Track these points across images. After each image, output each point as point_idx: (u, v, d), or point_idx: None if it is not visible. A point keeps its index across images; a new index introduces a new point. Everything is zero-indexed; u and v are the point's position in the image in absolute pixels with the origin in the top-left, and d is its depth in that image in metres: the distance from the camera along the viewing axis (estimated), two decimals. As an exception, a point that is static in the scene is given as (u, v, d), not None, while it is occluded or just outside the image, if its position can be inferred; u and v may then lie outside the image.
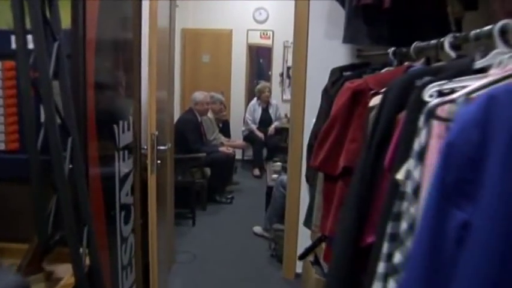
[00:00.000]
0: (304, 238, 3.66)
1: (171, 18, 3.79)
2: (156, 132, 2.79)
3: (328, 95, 3.17)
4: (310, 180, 3.41)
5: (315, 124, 3.31)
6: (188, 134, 5.70)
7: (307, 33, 3.63)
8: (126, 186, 2.47)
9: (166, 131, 3.58)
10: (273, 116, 8.00)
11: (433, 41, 1.81)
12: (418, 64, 1.99)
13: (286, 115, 8.38)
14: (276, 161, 5.98)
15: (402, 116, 1.36)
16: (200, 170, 5.66)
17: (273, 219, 4.85)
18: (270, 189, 5.04)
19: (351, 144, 1.89)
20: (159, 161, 2.87)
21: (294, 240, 3.92)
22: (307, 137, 3.50)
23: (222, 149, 6.08)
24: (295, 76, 3.73)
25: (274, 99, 8.27)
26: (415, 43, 2.05)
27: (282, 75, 8.53)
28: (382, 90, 1.82)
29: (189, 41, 8.43)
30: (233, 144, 6.87)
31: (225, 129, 7.64)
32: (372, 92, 1.85)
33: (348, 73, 2.76)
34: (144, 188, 2.83)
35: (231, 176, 6.70)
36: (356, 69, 2.92)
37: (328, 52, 3.57)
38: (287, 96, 8.48)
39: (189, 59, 8.47)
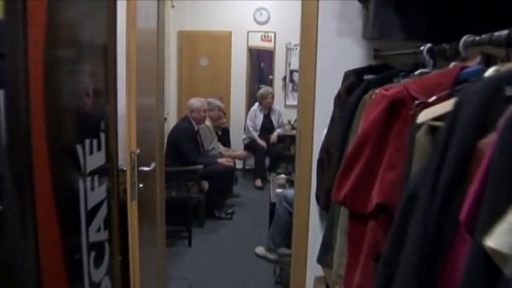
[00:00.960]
0: (313, 266, 3.16)
1: (160, 18, 3.30)
2: (138, 150, 2.30)
3: (342, 101, 2.70)
4: (322, 201, 2.92)
5: (327, 135, 2.83)
6: (183, 144, 5.22)
7: (316, 32, 3.13)
8: (96, 220, 1.98)
9: (154, 145, 3.09)
10: (275, 122, 7.52)
11: (499, 33, 1.33)
12: (474, 64, 1.50)
13: (289, 121, 7.91)
14: (280, 173, 5.48)
15: (489, 142, 0.87)
16: (197, 183, 5.17)
17: (276, 238, 4.37)
18: (273, 206, 4.55)
19: (388, 173, 1.40)
20: (141, 185, 2.37)
21: (303, 268, 3.41)
22: (317, 150, 3.02)
23: (221, 160, 5.57)
24: (303, 80, 3.23)
25: (277, 105, 7.78)
26: (465, 37, 1.56)
27: (284, 79, 8.04)
28: (432, 99, 1.33)
29: (185, 44, 7.96)
30: (233, 155, 6.37)
31: (224, 138, 7.14)
32: (417, 102, 1.35)
33: (370, 76, 2.26)
34: (124, 215, 2.34)
35: (231, 189, 6.20)
36: (376, 71, 2.43)
37: (341, 52, 3.07)
38: (290, 101, 8.01)
39: (186, 63, 8.00)
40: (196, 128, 5.45)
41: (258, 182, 7.12)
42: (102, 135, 2.04)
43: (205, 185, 5.30)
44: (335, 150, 2.49)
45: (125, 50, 2.24)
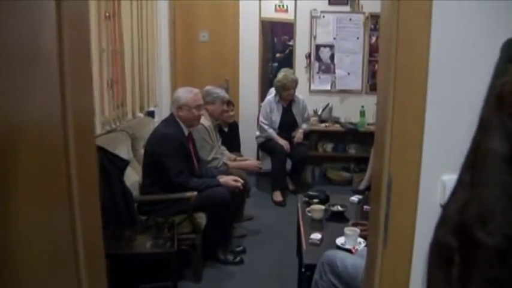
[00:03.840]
0: None
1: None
2: None
3: None
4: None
5: (468, 159, 1.05)
6: (166, 159, 3.48)
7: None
8: None
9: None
10: (298, 116, 5.70)
11: None
12: None
13: (315, 112, 6.11)
14: (312, 198, 3.70)
15: None
16: (189, 218, 3.43)
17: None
18: (309, 269, 2.76)
19: None
20: None
21: None
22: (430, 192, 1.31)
23: (225, 180, 3.77)
24: (401, 60, 1.38)
25: (297, 91, 5.96)
26: None
27: (308, 56, 6.19)
28: None
29: (180, 14, 6.16)
30: (242, 165, 4.55)
31: (232, 136, 5.38)
32: None
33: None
34: None
35: (241, 216, 4.46)
36: None
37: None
38: (316, 85, 6.23)
39: (181, 38, 6.21)
40: (186, 133, 3.68)
41: (278, 196, 5.37)
42: None
43: (202, 219, 3.55)
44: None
45: None
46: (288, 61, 6.19)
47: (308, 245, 2.94)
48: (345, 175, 6.15)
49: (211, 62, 6.22)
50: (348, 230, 2.88)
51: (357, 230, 2.87)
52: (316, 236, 2.98)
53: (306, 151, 5.66)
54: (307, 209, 3.41)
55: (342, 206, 3.47)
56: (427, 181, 1.38)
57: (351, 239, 2.83)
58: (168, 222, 3.36)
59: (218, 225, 3.63)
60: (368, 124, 5.99)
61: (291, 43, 6.39)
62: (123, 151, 3.78)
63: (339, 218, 3.39)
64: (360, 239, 2.86)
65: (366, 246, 2.80)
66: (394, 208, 1.39)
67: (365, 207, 3.60)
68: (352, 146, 6.11)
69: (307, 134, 5.78)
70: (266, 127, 5.52)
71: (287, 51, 6.32)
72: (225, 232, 3.82)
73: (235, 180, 3.76)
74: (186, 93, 3.61)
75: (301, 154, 5.52)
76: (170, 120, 3.66)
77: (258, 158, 6.05)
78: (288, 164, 5.65)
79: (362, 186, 5.24)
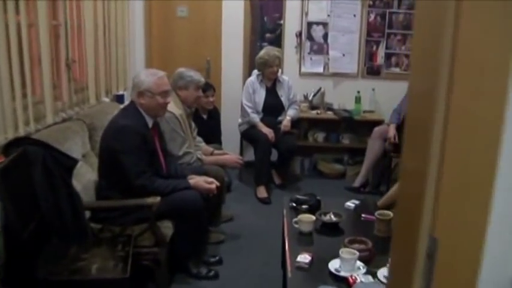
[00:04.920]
0: None
1: None
2: None
3: None
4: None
5: None
6: (123, 157, 2.86)
7: None
8: None
9: None
10: (283, 97, 5.10)
11: None
12: None
13: (305, 97, 5.51)
14: (300, 202, 3.11)
15: None
16: (151, 228, 2.83)
17: None
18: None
19: None
20: None
21: None
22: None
23: (197, 182, 3.15)
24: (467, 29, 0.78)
25: (286, 74, 5.36)
26: None
27: (299, 35, 5.55)
28: None
29: (156, -14, 5.48)
30: (220, 161, 3.91)
31: (212, 124, 4.77)
32: None
33: None
34: None
35: (218, 219, 3.86)
36: None
37: None
38: (307, 68, 5.59)
39: (156, 13, 5.53)
40: (150, 124, 3.06)
41: (262, 192, 4.78)
42: None
43: (168, 229, 2.95)
44: None
45: None
46: (279, 42, 5.54)
47: (294, 269, 2.35)
48: (338, 168, 5.56)
49: (191, 41, 5.57)
50: (344, 252, 2.30)
51: (356, 253, 2.29)
52: (304, 258, 2.38)
53: (294, 141, 5.06)
54: (295, 219, 2.81)
55: (335, 215, 2.89)
56: (496, 249, 0.79)
57: (347, 264, 2.25)
58: (125, 234, 2.77)
59: (188, 236, 3.04)
60: (364, 111, 5.42)
61: (282, 22, 5.75)
62: (76, 145, 3.16)
63: (333, 231, 2.81)
64: (359, 263, 2.29)
65: (366, 273, 2.23)
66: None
67: (363, 215, 3.03)
68: (346, 136, 5.52)
69: (295, 122, 5.17)
70: (249, 110, 4.91)
71: (278, 31, 5.69)
72: (197, 243, 3.21)
73: (210, 182, 3.15)
74: (148, 77, 2.98)
75: (289, 144, 4.92)
76: (130, 109, 3.03)
77: (241, 149, 5.45)
78: (274, 155, 5.04)
79: (357, 184, 4.66)
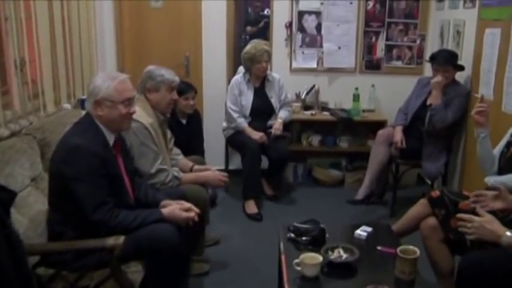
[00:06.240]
0: None
1: None
2: None
3: None
4: None
5: None
6: (77, 186, 2.25)
7: None
8: None
9: None
10: (274, 99, 4.52)
11: None
12: None
13: (297, 95, 4.94)
14: (301, 233, 2.53)
15: None
16: (114, 275, 2.22)
17: None
18: None
19: None
20: None
21: None
22: None
23: (171, 211, 2.49)
24: None
25: (275, 70, 4.77)
26: None
27: (289, 26, 4.95)
28: None
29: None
30: (202, 179, 3.24)
31: (192, 130, 4.17)
32: None
33: None
34: None
35: (201, 248, 3.27)
36: None
37: None
38: (299, 63, 5.02)
39: (128, 3, 4.90)
40: (111, 141, 2.44)
41: (251, 207, 4.20)
42: None
43: (137, 274, 2.34)
44: None
45: None
46: (262, 36, 4.94)
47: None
48: (335, 174, 5.00)
49: (167, 35, 4.96)
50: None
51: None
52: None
53: (287, 146, 4.48)
54: (295, 261, 2.21)
55: (346, 250, 2.32)
56: None
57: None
58: (81, 285, 2.16)
59: (162, 281, 2.42)
60: (363, 111, 4.88)
61: (266, 13, 5.14)
62: (22, 168, 2.52)
63: (344, 272, 2.24)
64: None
65: None
66: None
67: (379, 248, 2.45)
68: (344, 139, 4.97)
69: (287, 125, 4.59)
70: (235, 115, 4.33)
71: (261, 23, 5.09)
72: (175, 285, 2.60)
73: (187, 209, 2.54)
74: (106, 82, 2.34)
75: (281, 151, 4.33)
76: (84, 124, 2.39)
77: (226, 157, 4.87)
78: (264, 162, 4.45)
79: (360, 196, 4.08)
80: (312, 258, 2.19)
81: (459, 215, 2.24)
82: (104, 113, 2.36)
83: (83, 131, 2.36)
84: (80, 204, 2.25)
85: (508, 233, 1.95)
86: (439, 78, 3.87)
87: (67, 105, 3.76)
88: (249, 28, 5.14)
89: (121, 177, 2.47)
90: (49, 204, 2.48)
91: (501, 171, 2.61)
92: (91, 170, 2.26)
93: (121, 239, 2.20)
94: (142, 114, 2.87)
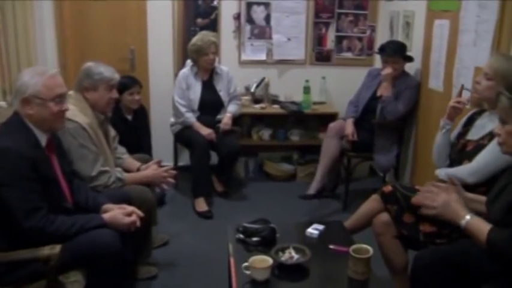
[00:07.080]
0: None
1: None
2: None
3: None
4: None
5: None
6: (5, 192, 2.06)
7: None
8: None
9: None
10: (222, 92, 4.40)
11: None
12: None
13: (247, 89, 4.84)
14: (250, 233, 2.42)
15: None
16: (52, 286, 2.06)
17: None
18: None
19: None
20: None
21: None
22: None
23: (113, 217, 2.33)
24: None
25: (223, 63, 4.65)
26: None
27: (237, 17, 4.83)
28: None
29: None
30: (144, 178, 3.06)
31: (139, 126, 3.99)
32: None
33: None
34: None
35: (148, 252, 3.12)
36: None
37: None
38: (248, 55, 4.92)
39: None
40: (44, 142, 2.26)
41: (201, 205, 4.07)
42: None
43: (77, 284, 2.18)
44: None
45: None
46: (214, 29, 4.79)
47: None
48: (287, 168, 4.92)
49: (110, 27, 4.73)
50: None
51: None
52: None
53: (237, 141, 4.35)
54: (244, 264, 2.11)
55: (297, 251, 2.23)
56: None
57: None
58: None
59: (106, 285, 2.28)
60: (314, 103, 4.80)
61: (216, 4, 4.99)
62: None
63: (296, 273, 2.15)
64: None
65: None
66: None
67: (331, 246, 2.38)
68: (295, 132, 4.90)
69: (237, 119, 4.48)
70: (183, 109, 4.19)
71: (213, 15, 4.93)
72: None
73: (130, 213, 2.40)
74: (34, 78, 2.16)
75: (231, 146, 4.22)
76: (12, 124, 2.20)
77: (175, 154, 4.71)
78: (214, 158, 4.32)
79: (312, 190, 3.99)
80: (261, 261, 2.09)
81: (425, 187, 2.19)
82: (33, 111, 2.17)
83: (11, 132, 2.17)
84: (10, 212, 2.07)
85: (468, 216, 1.91)
86: (388, 69, 3.86)
87: (2, 103, 3.53)
88: (199, 20, 4.98)
89: (56, 180, 2.30)
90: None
91: (452, 163, 2.59)
92: (21, 174, 2.08)
93: (57, 248, 2.03)
94: (78, 114, 2.69)
